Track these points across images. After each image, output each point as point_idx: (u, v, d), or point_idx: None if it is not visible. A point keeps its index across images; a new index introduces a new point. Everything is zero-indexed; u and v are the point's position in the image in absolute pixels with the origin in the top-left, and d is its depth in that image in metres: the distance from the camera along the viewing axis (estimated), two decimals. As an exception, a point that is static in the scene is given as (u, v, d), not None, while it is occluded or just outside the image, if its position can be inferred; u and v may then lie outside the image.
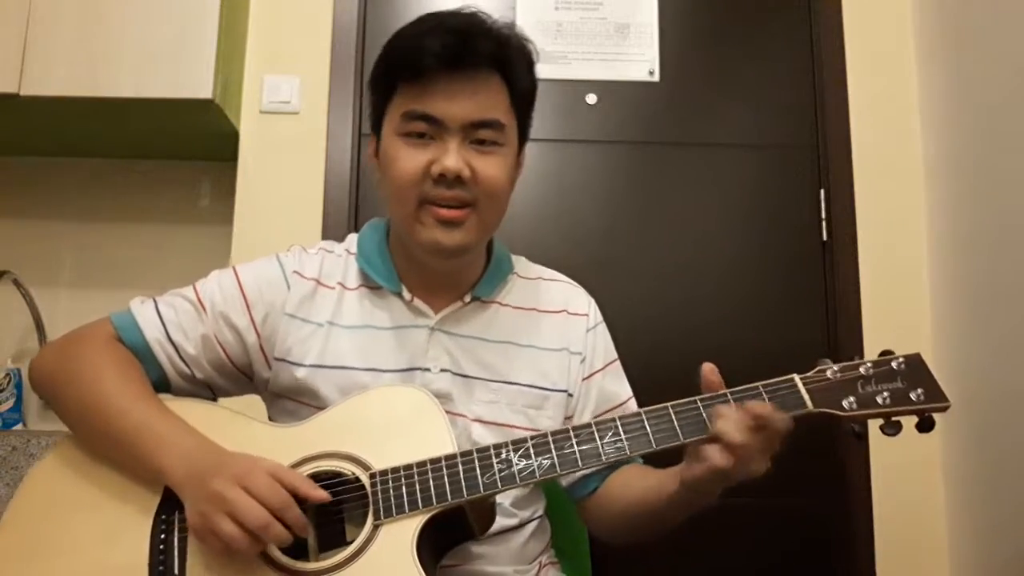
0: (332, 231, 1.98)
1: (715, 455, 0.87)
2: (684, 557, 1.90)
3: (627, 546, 1.13)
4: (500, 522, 1.04)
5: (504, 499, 1.06)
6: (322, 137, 2.04)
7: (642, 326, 1.96)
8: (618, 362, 1.18)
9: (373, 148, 1.09)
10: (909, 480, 1.91)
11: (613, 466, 1.10)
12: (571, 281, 1.21)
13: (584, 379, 1.13)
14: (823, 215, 2.04)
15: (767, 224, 2.04)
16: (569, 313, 1.15)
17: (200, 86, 1.82)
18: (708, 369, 0.93)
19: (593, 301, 1.19)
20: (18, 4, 1.82)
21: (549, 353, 1.11)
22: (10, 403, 2.02)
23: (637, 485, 1.06)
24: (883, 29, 2.10)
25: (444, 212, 1.01)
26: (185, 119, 1.92)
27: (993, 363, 1.70)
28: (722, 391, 0.92)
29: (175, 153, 2.15)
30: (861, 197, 2.03)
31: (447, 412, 0.98)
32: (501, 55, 1.00)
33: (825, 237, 2.03)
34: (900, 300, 1.97)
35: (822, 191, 2.05)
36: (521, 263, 1.20)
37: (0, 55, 1.79)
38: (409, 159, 1.00)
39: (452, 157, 0.98)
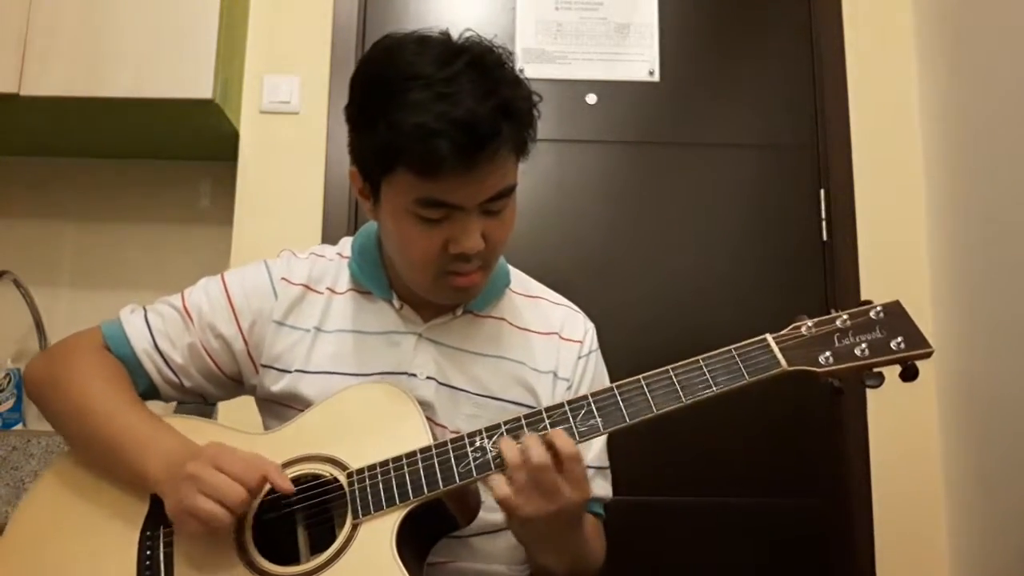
0: (332, 231, 1.98)
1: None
2: (684, 557, 1.90)
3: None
4: (490, 518, 1.04)
5: (491, 497, 1.06)
6: (322, 137, 2.04)
7: (641, 326, 1.96)
8: None
9: (360, 186, 1.01)
10: (909, 479, 1.91)
11: None
12: (574, 307, 1.18)
13: None
14: (823, 215, 2.04)
15: (767, 224, 2.04)
16: (562, 337, 1.13)
17: (200, 86, 1.81)
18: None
19: (592, 329, 1.16)
20: (18, 4, 1.82)
21: (537, 373, 1.10)
22: (10, 403, 2.02)
23: None
24: (883, 29, 2.10)
25: (462, 281, 1.00)
26: (185, 119, 1.92)
27: (993, 362, 1.70)
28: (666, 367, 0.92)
29: (175, 153, 2.15)
30: (861, 197, 2.03)
31: (428, 420, 0.97)
32: (509, 129, 0.93)
33: (825, 237, 2.03)
34: (900, 300, 1.97)
35: (822, 191, 2.05)
36: (519, 279, 1.18)
37: (0, 55, 1.79)
38: (426, 240, 0.96)
39: (473, 238, 0.95)
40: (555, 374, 1.11)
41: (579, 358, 1.13)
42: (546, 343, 1.12)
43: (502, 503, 0.88)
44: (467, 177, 0.91)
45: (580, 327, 1.15)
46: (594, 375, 1.14)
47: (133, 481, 0.95)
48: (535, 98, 0.97)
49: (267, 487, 0.92)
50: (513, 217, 1.02)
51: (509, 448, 0.88)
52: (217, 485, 0.86)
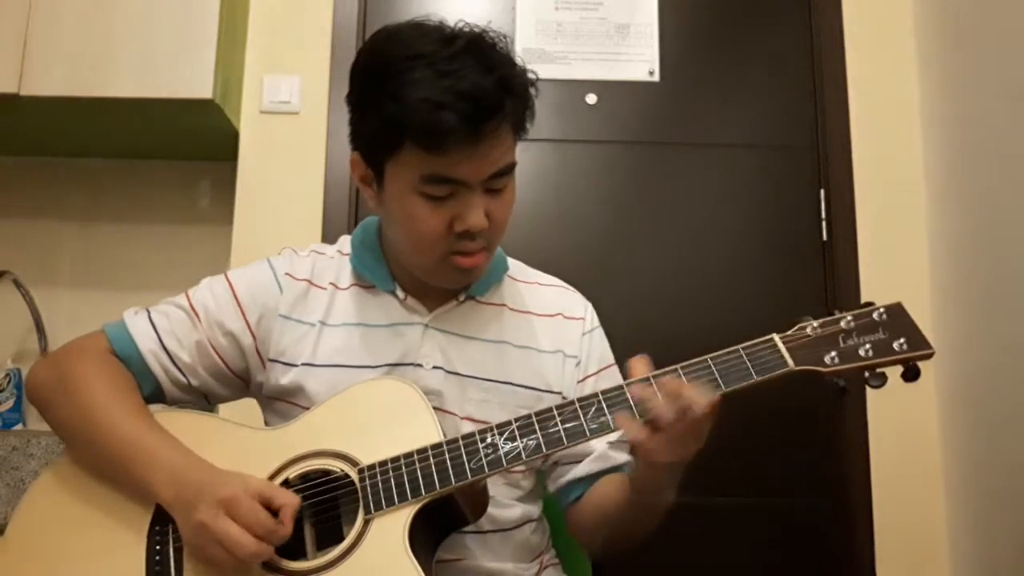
0: (332, 231, 1.98)
1: (634, 430, 0.88)
2: (685, 557, 1.90)
3: (611, 555, 1.15)
4: (500, 516, 1.05)
5: (501, 495, 1.06)
6: (322, 137, 2.04)
7: (641, 326, 1.95)
8: (615, 367, 1.17)
9: (363, 173, 1.03)
10: (909, 481, 1.91)
11: (599, 475, 1.10)
12: (568, 286, 1.20)
13: (579, 382, 1.13)
14: (823, 215, 2.04)
15: (767, 224, 2.04)
16: (565, 317, 1.15)
17: (200, 86, 1.82)
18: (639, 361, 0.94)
19: (590, 306, 1.19)
20: (18, 4, 1.82)
21: (544, 355, 1.11)
22: (10, 403, 2.02)
23: (613, 491, 1.07)
24: (883, 29, 2.10)
25: (467, 261, 1.01)
26: (185, 119, 1.92)
27: (993, 363, 1.70)
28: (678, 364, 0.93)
29: (175, 153, 2.15)
30: (861, 197, 2.03)
31: (438, 409, 0.98)
32: (511, 104, 0.96)
33: (825, 237, 2.03)
34: (900, 300, 1.97)
35: (822, 191, 2.05)
36: (517, 266, 1.20)
37: (0, 55, 1.79)
38: (432, 218, 0.97)
39: (477, 215, 0.97)
40: (563, 353, 1.12)
41: (583, 335, 1.15)
42: (550, 324, 1.13)
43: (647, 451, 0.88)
44: (472, 151, 0.94)
45: (579, 305, 1.18)
46: (601, 351, 1.16)
47: (139, 494, 0.95)
48: (531, 76, 1.01)
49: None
50: (513, 197, 1.03)
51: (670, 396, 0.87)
52: (232, 542, 0.86)
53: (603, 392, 0.93)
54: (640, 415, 0.89)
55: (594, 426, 0.91)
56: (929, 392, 1.92)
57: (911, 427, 1.92)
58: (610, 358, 1.18)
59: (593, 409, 0.92)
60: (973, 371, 1.78)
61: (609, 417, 0.91)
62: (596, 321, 1.18)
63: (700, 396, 0.86)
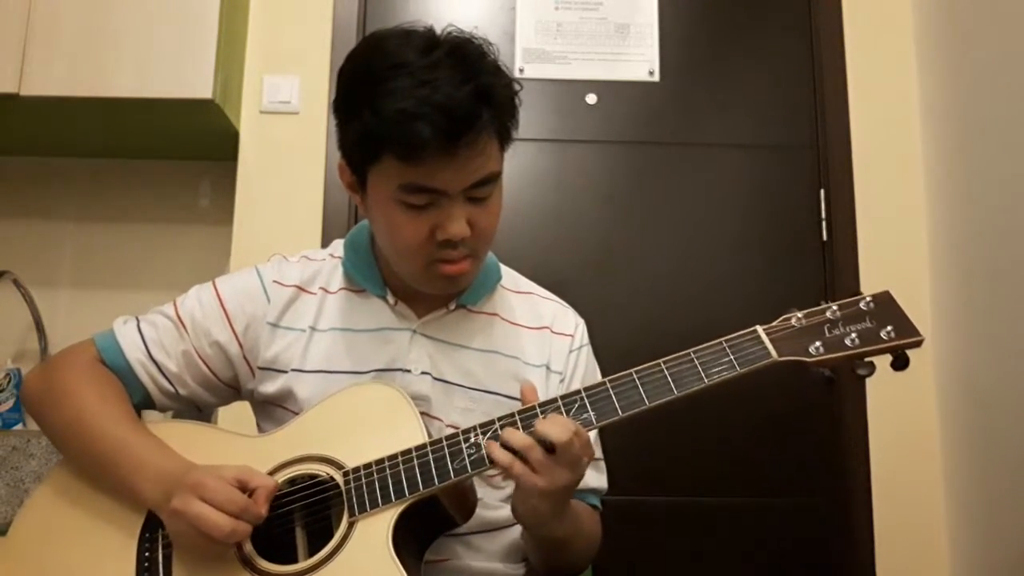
0: (332, 231, 1.98)
1: (496, 453, 0.89)
2: (685, 557, 1.90)
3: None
4: (488, 516, 1.05)
5: (488, 496, 1.06)
6: (322, 137, 2.04)
7: (641, 326, 1.96)
8: None
9: (349, 179, 1.04)
10: (909, 479, 1.91)
11: None
12: (563, 302, 1.20)
13: None
14: (823, 215, 2.04)
15: (767, 224, 2.04)
16: (553, 332, 1.14)
17: (200, 86, 1.82)
18: (528, 389, 0.95)
19: (582, 323, 1.18)
20: (18, 4, 1.82)
21: (530, 368, 1.11)
22: (10, 403, 2.02)
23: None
24: (883, 29, 2.10)
25: (451, 268, 1.01)
26: (185, 119, 1.92)
27: (993, 363, 1.70)
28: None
29: (175, 153, 2.15)
30: (861, 197, 2.03)
31: (425, 415, 0.98)
32: (489, 113, 0.95)
33: (825, 237, 2.03)
34: (900, 300, 1.97)
35: (822, 191, 2.05)
36: (511, 276, 1.19)
37: (0, 55, 1.79)
38: (412, 227, 0.98)
39: (458, 223, 0.96)
40: (548, 367, 1.12)
41: (571, 351, 1.14)
42: (538, 338, 1.13)
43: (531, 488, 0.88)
44: (449, 161, 0.93)
45: (571, 321, 1.17)
46: (586, 369, 1.15)
47: (129, 499, 0.96)
48: (516, 87, 1.00)
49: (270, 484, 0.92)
50: (499, 206, 1.03)
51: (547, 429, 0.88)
52: (206, 522, 0.86)
53: (586, 389, 0.93)
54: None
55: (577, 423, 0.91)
56: (929, 391, 1.92)
57: (911, 426, 1.92)
58: (596, 377, 1.15)
59: (576, 407, 0.92)
60: (973, 370, 1.78)
61: (592, 415, 0.91)
62: (586, 339, 1.17)
63: (561, 431, 0.87)
